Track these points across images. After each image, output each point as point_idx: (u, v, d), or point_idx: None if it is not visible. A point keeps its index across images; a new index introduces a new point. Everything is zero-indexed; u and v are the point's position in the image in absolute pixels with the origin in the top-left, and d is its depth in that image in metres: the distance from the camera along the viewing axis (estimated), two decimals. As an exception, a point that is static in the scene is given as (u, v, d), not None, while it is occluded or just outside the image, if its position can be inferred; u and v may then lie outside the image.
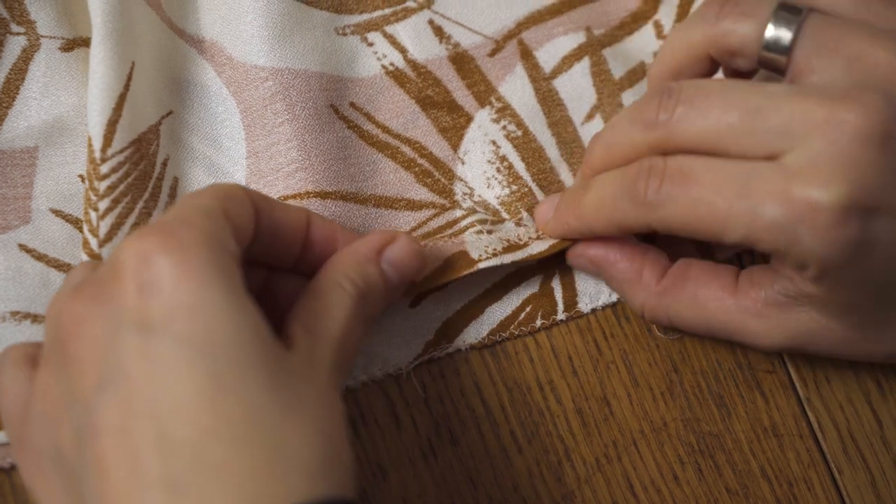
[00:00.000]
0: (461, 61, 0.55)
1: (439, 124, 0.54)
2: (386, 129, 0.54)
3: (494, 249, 0.51)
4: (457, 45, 0.55)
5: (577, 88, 0.55)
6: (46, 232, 0.51)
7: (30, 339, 0.49)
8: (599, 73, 0.56)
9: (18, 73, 0.52)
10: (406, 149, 0.54)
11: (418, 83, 0.55)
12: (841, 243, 0.42)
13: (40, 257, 0.51)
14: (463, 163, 0.54)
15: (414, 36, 0.55)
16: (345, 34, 0.55)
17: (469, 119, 0.55)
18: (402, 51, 0.55)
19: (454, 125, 0.54)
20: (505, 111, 0.55)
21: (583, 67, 0.56)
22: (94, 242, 0.49)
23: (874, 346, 0.48)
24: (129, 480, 0.37)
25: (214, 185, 0.45)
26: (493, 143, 0.54)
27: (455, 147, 0.54)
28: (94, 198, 0.49)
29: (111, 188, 0.49)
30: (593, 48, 0.56)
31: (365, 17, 0.55)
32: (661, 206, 0.45)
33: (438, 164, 0.54)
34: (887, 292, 0.46)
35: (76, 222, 0.52)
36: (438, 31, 0.55)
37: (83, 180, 0.52)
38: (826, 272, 0.44)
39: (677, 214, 0.45)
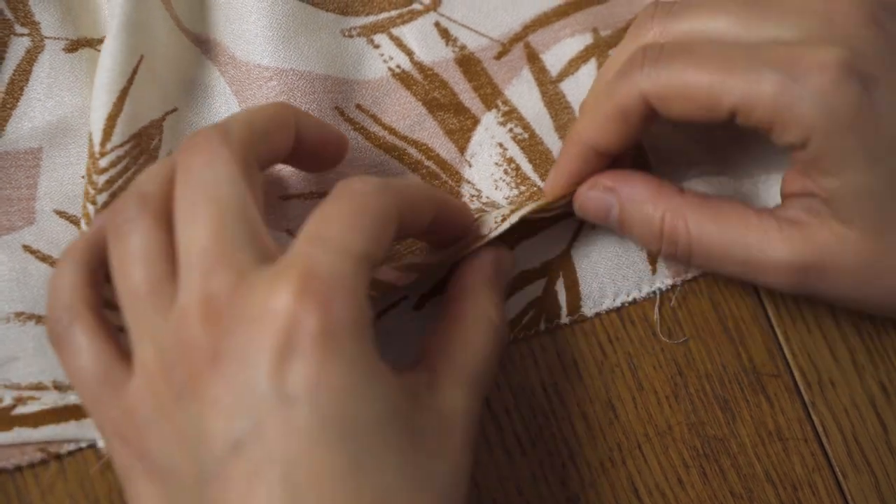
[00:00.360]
0: (468, 63, 0.55)
1: (446, 126, 0.54)
2: (393, 131, 0.54)
3: (503, 215, 0.51)
4: (463, 47, 0.55)
5: (584, 91, 0.55)
6: (51, 233, 0.51)
7: (34, 341, 0.50)
8: None
9: (23, 74, 0.52)
10: (413, 150, 0.54)
11: (425, 85, 0.54)
12: (842, 102, 0.43)
13: (44, 258, 0.51)
14: (470, 165, 0.54)
15: (420, 38, 0.55)
16: (351, 36, 0.55)
17: (476, 121, 0.54)
18: (409, 53, 0.55)
19: (461, 127, 0.54)
20: (511, 114, 0.55)
21: (589, 69, 0.55)
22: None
23: None
24: None
25: (361, 204, 0.42)
26: (500, 145, 0.54)
27: (462, 149, 0.54)
28: (91, 191, 0.49)
29: (109, 182, 0.49)
30: (600, 49, 0.56)
31: (371, 18, 0.55)
32: (658, 73, 0.45)
33: (445, 166, 0.54)
34: None
35: (80, 223, 0.51)
36: (445, 34, 0.55)
37: (87, 181, 0.52)
38: (828, 139, 0.44)
39: (674, 80, 0.45)
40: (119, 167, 0.49)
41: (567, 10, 0.56)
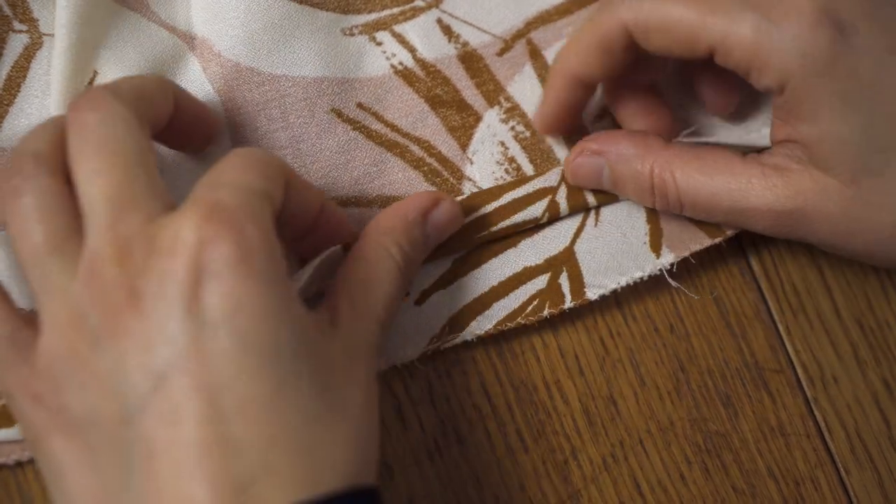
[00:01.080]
0: (470, 60, 0.55)
1: (448, 123, 0.54)
2: (395, 128, 0.54)
3: (501, 185, 0.52)
4: (465, 43, 0.55)
5: None
6: (47, 230, 0.51)
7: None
8: None
9: (20, 70, 0.52)
10: (415, 147, 0.54)
11: (427, 82, 0.54)
12: (817, 47, 0.44)
13: (42, 256, 0.51)
14: (472, 163, 0.54)
15: (423, 35, 0.55)
16: (352, 34, 0.54)
17: (478, 118, 0.54)
18: (411, 50, 0.54)
19: (463, 124, 0.54)
20: (514, 111, 0.55)
21: None
22: None
23: (878, 214, 0.47)
24: (182, 470, 0.37)
25: (252, 157, 0.43)
26: (502, 143, 0.54)
27: (464, 147, 0.54)
28: None
29: None
30: None
31: (373, 16, 0.55)
32: (641, 4, 0.47)
33: (447, 163, 0.54)
34: (879, 131, 0.46)
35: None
36: (447, 31, 0.55)
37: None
38: (804, 84, 0.44)
39: (656, 12, 0.46)
40: None
41: (570, 8, 0.56)
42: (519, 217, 0.52)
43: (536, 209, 0.52)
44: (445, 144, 0.54)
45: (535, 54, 0.55)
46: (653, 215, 0.54)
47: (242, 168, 0.42)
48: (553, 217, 0.53)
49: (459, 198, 0.53)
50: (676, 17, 0.46)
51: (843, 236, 0.47)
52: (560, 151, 0.54)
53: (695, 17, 0.45)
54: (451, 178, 0.54)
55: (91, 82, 0.50)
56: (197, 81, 0.53)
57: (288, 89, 0.53)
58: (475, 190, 0.53)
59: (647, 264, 0.53)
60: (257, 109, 0.52)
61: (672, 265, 0.53)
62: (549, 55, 0.55)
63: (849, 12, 0.44)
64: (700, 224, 0.54)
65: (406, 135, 0.54)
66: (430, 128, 0.54)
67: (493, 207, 0.52)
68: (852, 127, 0.45)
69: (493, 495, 0.50)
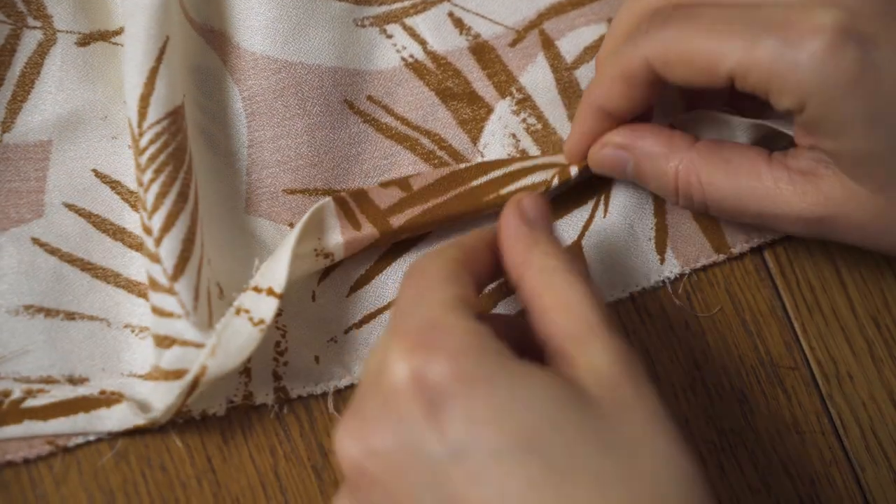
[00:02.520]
0: (482, 52, 0.55)
1: (459, 116, 0.54)
2: (405, 122, 0.54)
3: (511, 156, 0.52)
4: (477, 35, 0.55)
5: None
6: (60, 226, 0.51)
7: (44, 333, 0.49)
8: None
9: (34, 66, 0.52)
10: (425, 140, 0.54)
11: (438, 74, 0.54)
12: (838, 68, 0.43)
13: (53, 251, 0.51)
14: (482, 156, 0.54)
15: (434, 28, 0.55)
16: (363, 26, 0.54)
17: (489, 110, 0.54)
18: (422, 42, 0.55)
19: (474, 117, 0.54)
20: (525, 102, 0.54)
21: None
22: (144, 216, 0.48)
23: None
24: None
25: (424, 271, 0.44)
26: (513, 136, 0.54)
27: (475, 140, 0.54)
28: (138, 174, 0.49)
29: (152, 158, 0.48)
30: None
31: (384, 8, 0.55)
32: (661, 38, 0.46)
33: (458, 156, 0.54)
34: None
35: (89, 216, 0.51)
36: (458, 23, 0.55)
37: (97, 175, 0.52)
38: (825, 106, 0.44)
39: (675, 45, 0.46)
40: (158, 143, 0.48)
41: (582, 0, 0.56)
42: (528, 180, 0.52)
43: (546, 173, 0.52)
44: (456, 138, 0.54)
45: (548, 44, 0.55)
46: (660, 209, 0.54)
47: (417, 290, 0.43)
48: (563, 181, 0.52)
49: (465, 165, 0.53)
50: (695, 47, 0.45)
51: (873, 240, 0.47)
52: None
53: (712, 45, 0.45)
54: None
55: (163, 48, 0.49)
56: (217, 72, 0.53)
57: (304, 76, 0.53)
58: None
59: (652, 272, 0.53)
60: (274, 97, 0.53)
61: (678, 276, 0.53)
62: (562, 45, 0.56)
63: (869, 25, 0.43)
64: (707, 233, 0.54)
65: (416, 128, 0.54)
66: (441, 121, 0.54)
67: (501, 173, 0.52)
68: (877, 140, 0.44)
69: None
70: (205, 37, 0.53)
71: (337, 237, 0.50)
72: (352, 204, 0.50)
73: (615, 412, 0.39)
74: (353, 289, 0.52)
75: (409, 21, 0.55)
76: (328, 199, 0.49)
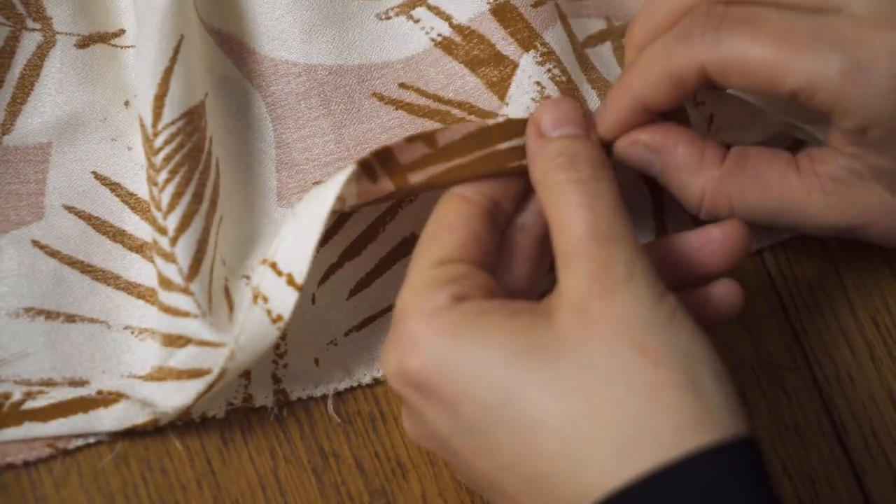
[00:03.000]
0: (503, 11, 0.53)
1: (488, 80, 0.53)
2: (438, 99, 0.53)
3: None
4: None
5: (605, 63, 0.55)
6: (60, 228, 0.51)
7: (44, 336, 0.50)
8: (621, 57, 0.55)
9: (33, 69, 0.52)
10: (456, 111, 0.53)
11: (465, 46, 0.53)
12: None
13: (53, 254, 0.51)
14: (507, 104, 0.52)
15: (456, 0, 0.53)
16: (388, 17, 0.54)
17: (515, 66, 0.53)
18: (447, 18, 0.53)
19: (501, 77, 0.53)
20: (550, 56, 0.52)
21: (607, 48, 0.55)
22: (158, 216, 0.48)
23: None
24: None
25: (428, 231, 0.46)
26: (538, 84, 0.52)
27: (502, 97, 0.53)
28: (153, 174, 0.48)
29: (167, 159, 0.48)
30: (613, 35, 0.56)
31: None
32: (720, 42, 0.44)
33: (485, 114, 0.53)
34: None
35: (89, 219, 0.51)
36: None
37: (97, 177, 0.52)
38: (890, 133, 0.43)
39: (736, 53, 0.44)
40: (173, 144, 0.48)
41: None
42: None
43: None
44: (485, 101, 0.53)
45: (563, 17, 0.54)
46: (659, 211, 0.54)
47: (419, 253, 0.46)
48: None
49: (491, 121, 0.49)
50: (758, 57, 0.43)
51: None
52: (593, 104, 0.52)
53: (778, 58, 0.43)
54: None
55: (177, 47, 0.49)
56: (233, 78, 0.53)
57: (325, 77, 0.53)
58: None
59: None
60: (297, 99, 0.53)
61: None
62: (574, 24, 0.55)
63: None
64: None
65: (448, 101, 0.53)
66: (471, 89, 0.53)
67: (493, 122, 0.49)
68: None
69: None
70: (219, 43, 0.53)
71: (352, 187, 0.47)
72: (374, 162, 0.48)
73: (576, 335, 0.41)
74: (353, 292, 0.52)
75: (432, 1, 0.54)
76: (353, 165, 0.46)
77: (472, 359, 0.41)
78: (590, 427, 0.39)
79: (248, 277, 0.50)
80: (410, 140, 0.47)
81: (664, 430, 0.38)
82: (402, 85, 0.53)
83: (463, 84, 0.53)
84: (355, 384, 0.51)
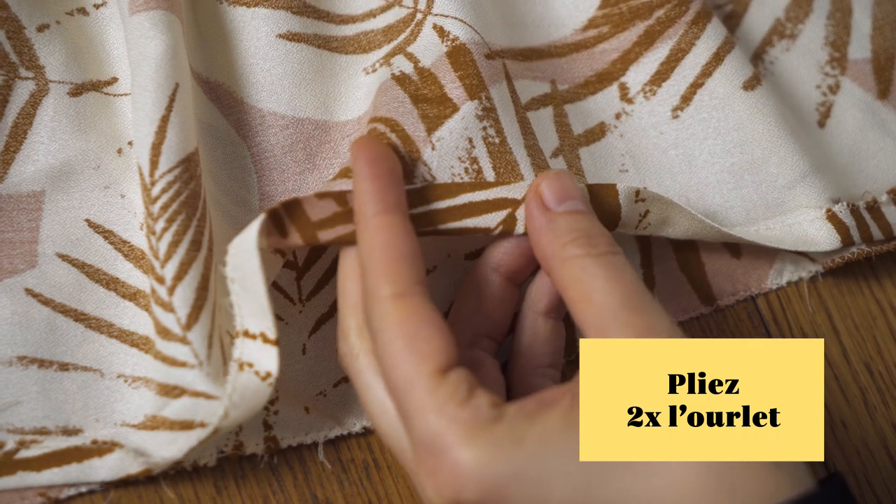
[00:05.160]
0: (457, 54, 0.52)
1: (424, 114, 0.51)
2: (372, 120, 0.51)
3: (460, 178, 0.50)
4: (455, 38, 0.52)
5: (544, 128, 0.54)
6: (53, 277, 0.51)
7: (37, 384, 0.50)
8: (561, 125, 0.55)
9: (26, 117, 0.52)
10: (381, 126, 0.51)
11: (417, 83, 0.52)
12: None
13: (47, 302, 0.51)
14: (433, 148, 0.50)
15: (423, 48, 0.53)
16: (375, 70, 0.54)
17: (455, 110, 0.51)
18: (415, 62, 0.52)
19: (438, 115, 0.51)
20: (490, 113, 0.51)
21: (548, 113, 0.55)
22: (156, 265, 0.48)
23: None
24: None
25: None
26: (470, 140, 0.50)
27: (430, 131, 0.50)
28: (150, 223, 0.48)
29: (164, 207, 0.48)
30: (556, 101, 0.55)
31: (393, 44, 0.54)
32: None
33: (408, 141, 0.50)
34: None
35: (83, 267, 0.51)
36: (440, 31, 0.53)
37: (90, 224, 0.52)
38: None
39: None
40: (170, 192, 0.48)
41: (530, 55, 0.55)
42: (470, 222, 0.48)
43: (491, 219, 0.49)
44: (412, 126, 0.51)
45: (508, 78, 0.54)
46: (647, 260, 0.54)
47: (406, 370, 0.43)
48: (507, 231, 0.49)
49: (409, 187, 0.49)
50: None
51: None
52: (526, 169, 0.50)
53: None
54: (407, 157, 0.50)
55: (173, 95, 0.49)
56: (219, 127, 0.53)
57: (312, 132, 0.53)
58: (428, 178, 0.50)
59: None
60: (283, 153, 0.53)
61: None
62: (519, 86, 0.54)
63: None
64: (694, 285, 0.54)
65: (378, 119, 0.51)
66: (404, 112, 0.51)
67: (446, 205, 0.49)
68: None
69: None
70: (206, 91, 0.53)
71: (262, 240, 0.46)
72: (283, 214, 0.47)
73: None
74: None
75: (410, 49, 0.53)
76: (262, 216, 0.46)
77: (540, 466, 0.40)
78: (676, 499, 0.39)
79: (231, 337, 0.50)
80: (321, 196, 0.47)
81: (753, 489, 0.39)
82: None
83: (398, 107, 0.51)
84: (346, 432, 0.51)
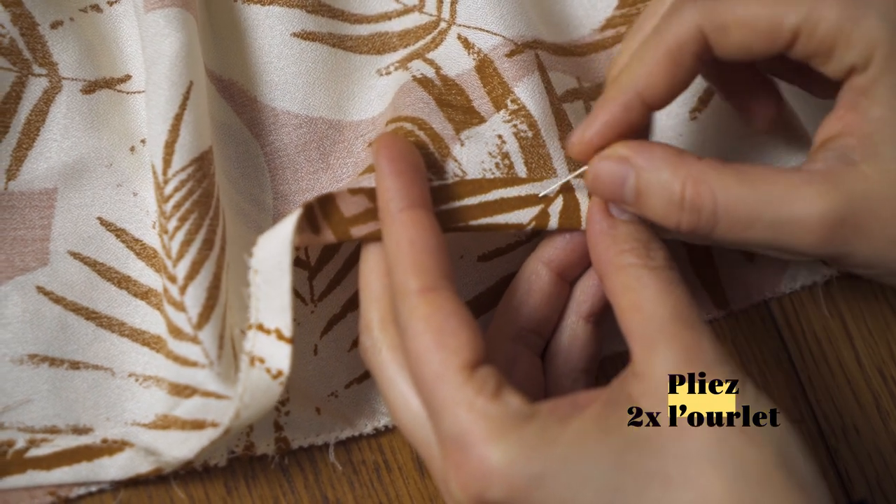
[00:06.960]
0: (483, 67, 0.52)
1: (450, 117, 0.51)
2: (396, 119, 0.51)
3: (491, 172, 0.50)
4: (480, 51, 0.52)
5: (580, 120, 0.54)
6: (65, 274, 0.51)
7: (48, 383, 0.49)
8: None
9: (39, 114, 0.52)
10: (408, 125, 0.50)
11: (441, 89, 0.52)
12: None
13: (58, 300, 0.50)
14: (462, 144, 0.50)
15: (446, 56, 0.53)
16: (389, 73, 0.54)
17: (482, 120, 0.51)
18: (437, 68, 0.52)
19: (464, 121, 0.51)
20: (519, 112, 0.51)
21: (579, 107, 0.54)
22: (168, 264, 0.48)
23: None
24: None
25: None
26: (500, 136, 0.50)
27: (458, 130, 0.50)
28: (163, 221, 0.48)
29: (177, 206, 0.48)
30: (584, 97, 0.55)
31: (408, 49, 0.54)
32: (714, 3, 0.43)
33: (437, 138, 0.50)
34: None
35: (94, 265, 0.51)
36: (466, 43, 0.53)
37: (102, 222, 0.52)
38: (891, 59, 0.42)
39: (732, 7, 0.43)
40: (183, 191, 0.48)
41: (557, 51, 0.55)
42: (502, 218, 0.48)
43: (524, 215, 0.48)
44: (440, 125, 0.50)
45: (542, 69, 0.53)
46: None
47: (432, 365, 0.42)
48: (539, 228, 0.48)
49: (439, 182, 0.48)
50: (754, 7, 0.43)
51: None
52: (559, 163, 0.50)
53: (774, 2, 0.43)
54: (437, 154, 0.50)
55: (187, 94, 0.49)
56: (233, 126, 0.53)
57: (326, 131, 0.53)
58: (459, 173, 0.49)
59: None
60: (297, 150, 0.53)
61: None
62: (553, 77, 0.53)
63: None
64: (707, 288, 0.54)
65: (403, 118, 0.51)
66: (429, 112, 0.51)
67: (477, 201, 0.48)
68: None
69: None
70: (220, 89, 0.53)
71: (294, 237, 0.46)
72: (317, 210, 0.47)
73: (658, 440, 0.40)
74: (356, 343, 0.52)
75: (430, 56, 0.53)
76: (298, 210, 0.45)
77: (571, 469, 0.40)
78: None
79: (243, 332, 0.49)
80: (354, 192, 0.47)
81: None
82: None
83: (424, 107, 0.51)
84: (357, 434, 0.51)
